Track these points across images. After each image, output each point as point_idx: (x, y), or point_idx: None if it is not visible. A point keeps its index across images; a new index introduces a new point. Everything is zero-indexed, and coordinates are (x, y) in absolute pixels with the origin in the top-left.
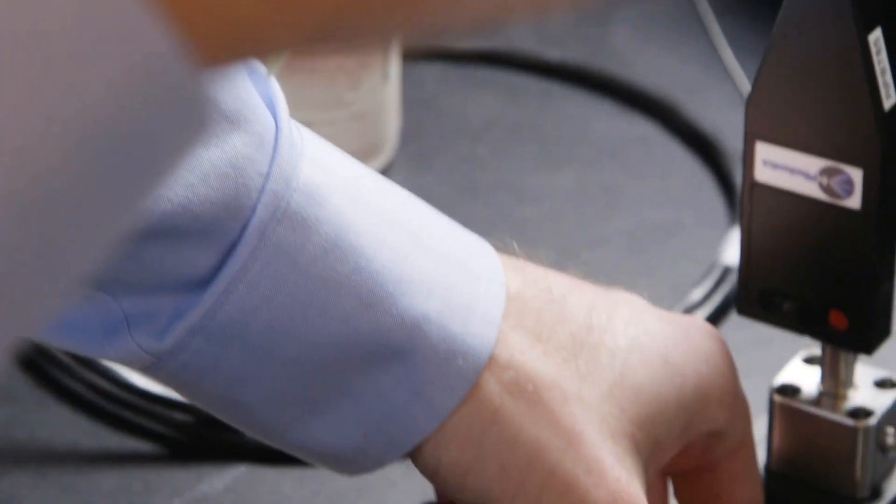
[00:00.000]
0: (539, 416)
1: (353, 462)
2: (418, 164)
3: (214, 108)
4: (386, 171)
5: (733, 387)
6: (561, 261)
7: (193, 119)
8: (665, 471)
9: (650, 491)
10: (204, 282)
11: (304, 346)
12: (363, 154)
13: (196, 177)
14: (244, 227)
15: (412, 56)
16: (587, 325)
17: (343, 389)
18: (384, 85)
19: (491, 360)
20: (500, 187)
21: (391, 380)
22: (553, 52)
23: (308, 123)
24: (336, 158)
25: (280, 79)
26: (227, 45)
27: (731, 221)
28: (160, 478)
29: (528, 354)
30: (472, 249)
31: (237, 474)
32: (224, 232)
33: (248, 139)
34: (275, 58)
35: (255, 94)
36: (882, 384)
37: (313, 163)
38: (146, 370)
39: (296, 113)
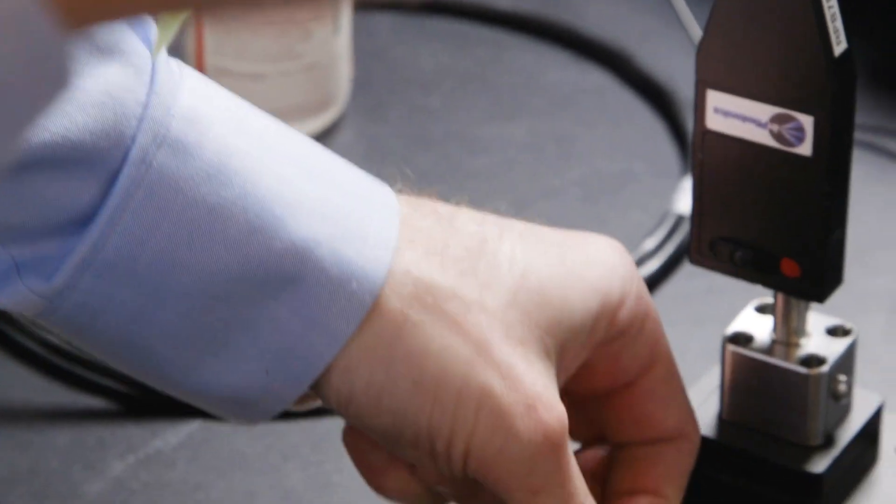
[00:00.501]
0: (444, 326)
1: (257, 404)
2: (370, 115)
3: (76, 67)
4: (338, 123)
5: (636, 288)
6: (513, 211)
7: (55, 76)
8: (581, 397)
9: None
10: (88, 218)
11: (194, 277)
12: (315, 106)
13: (74, 107)
14: (125, 156)
15: (363, 7)
16: (481, 238)
17: (239, 324)
18: (335, 36)
19: (388, 278)
20: (453, 138)
21: (286, 309)
22: (505, 2)
23: (260, 75)
24: (219, 92)
25: (232, 31)
26: (88, 8)
27: (684, 170)
28: (114, 434)
29: (423, 268)
30: (364, 181)
31: (191, 430)
32: (105, 161)
33: (125, 70)
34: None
35: (130, 31)
36: (834, 332)
37: (194, 93)
38: (41, 316)
39: (247, 65)
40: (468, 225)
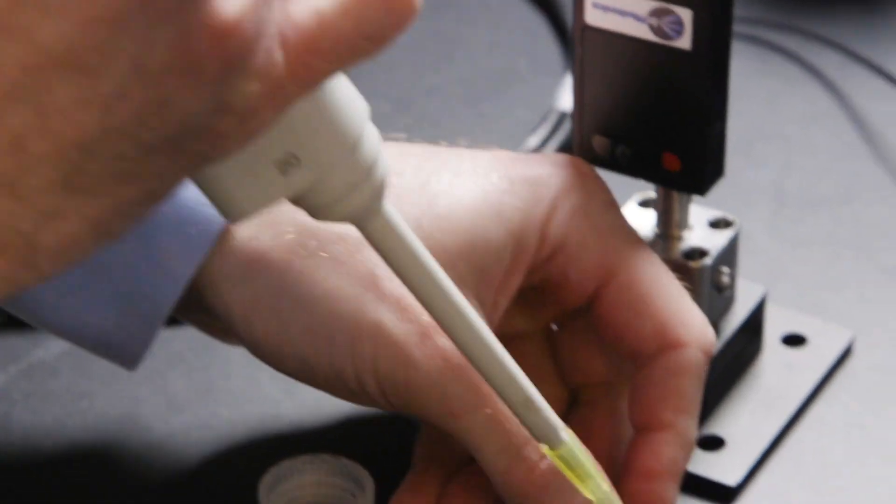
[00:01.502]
0: (329, 269)
1: (122, 346)
2: None
3: None
4: None
5: (574, 201)
6: (396, 111)
7: None
8: (553, 320)
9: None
10: None
11: None
12: None
13: None
14: None
15: None
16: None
17: (93, 264)
18: None
19: (270, 224)
20: None
21: (132, 251)
22: None
23: None
24: None
25: None
26: None
27: (566, 68)
28: None
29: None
30: None
31: None
32: None
33: None
34: None
35: None
36: (716, 224)
37: None
38: None
39: None
40: None
